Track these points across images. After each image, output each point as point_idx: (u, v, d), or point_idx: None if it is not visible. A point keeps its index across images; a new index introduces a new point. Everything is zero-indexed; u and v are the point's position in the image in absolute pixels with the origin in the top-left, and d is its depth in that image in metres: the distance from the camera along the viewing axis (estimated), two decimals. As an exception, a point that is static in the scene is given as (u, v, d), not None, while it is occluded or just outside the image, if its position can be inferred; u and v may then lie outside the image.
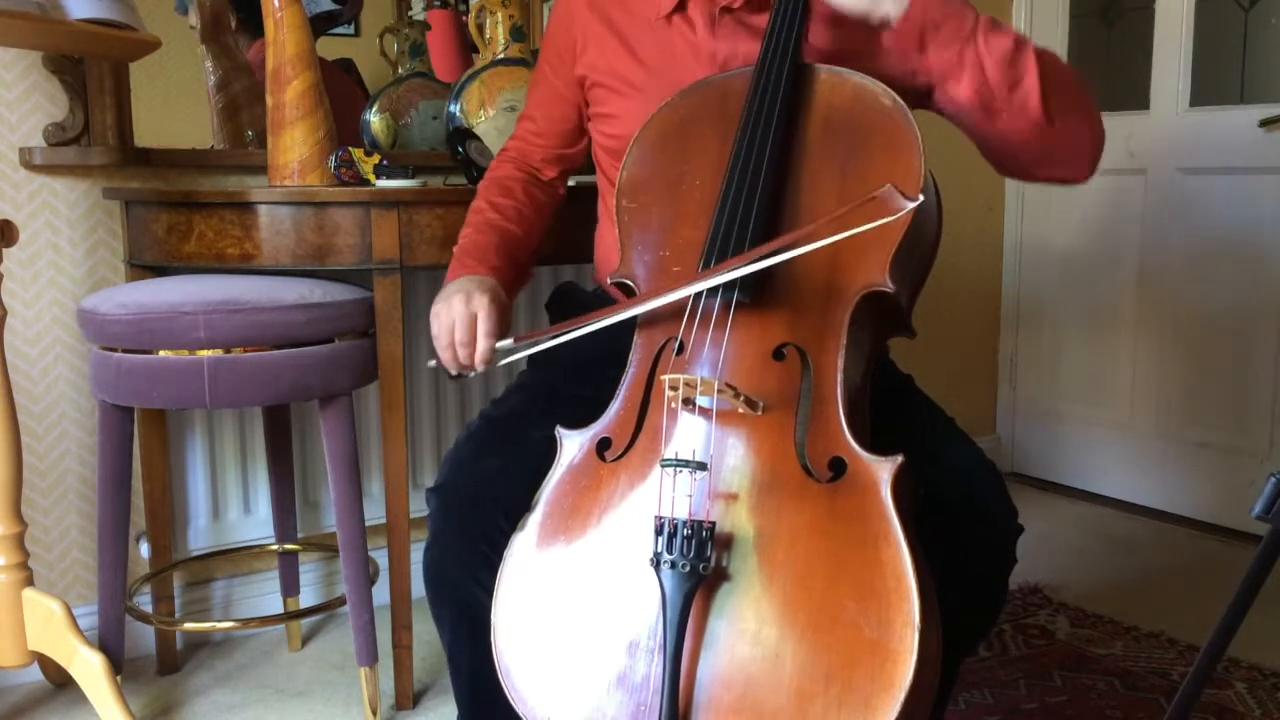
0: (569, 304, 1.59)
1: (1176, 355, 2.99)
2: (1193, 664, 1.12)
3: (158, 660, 2.14)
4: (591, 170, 1.62)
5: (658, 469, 1.12)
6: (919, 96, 1.37)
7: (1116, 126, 3.05)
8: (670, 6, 1.44)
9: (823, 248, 1.19)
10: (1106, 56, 3.20)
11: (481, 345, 1.34)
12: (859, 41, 1.35)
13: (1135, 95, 3.03)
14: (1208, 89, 2.90)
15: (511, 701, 1.11)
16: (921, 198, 1.11)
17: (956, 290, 3.28)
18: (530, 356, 1.53)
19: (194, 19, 2.21)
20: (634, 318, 1.26)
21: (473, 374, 1.38)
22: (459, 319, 1.35)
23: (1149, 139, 2.98)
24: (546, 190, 1.63)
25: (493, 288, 1.40)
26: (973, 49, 1.24)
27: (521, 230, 1.54)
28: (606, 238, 1.57)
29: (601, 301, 1.52)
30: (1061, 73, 1.29)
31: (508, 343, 1.35)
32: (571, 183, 1.98)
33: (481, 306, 1.35)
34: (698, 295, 1.19)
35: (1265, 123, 2.69)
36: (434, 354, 1.40)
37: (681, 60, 1.43)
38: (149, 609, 2.12)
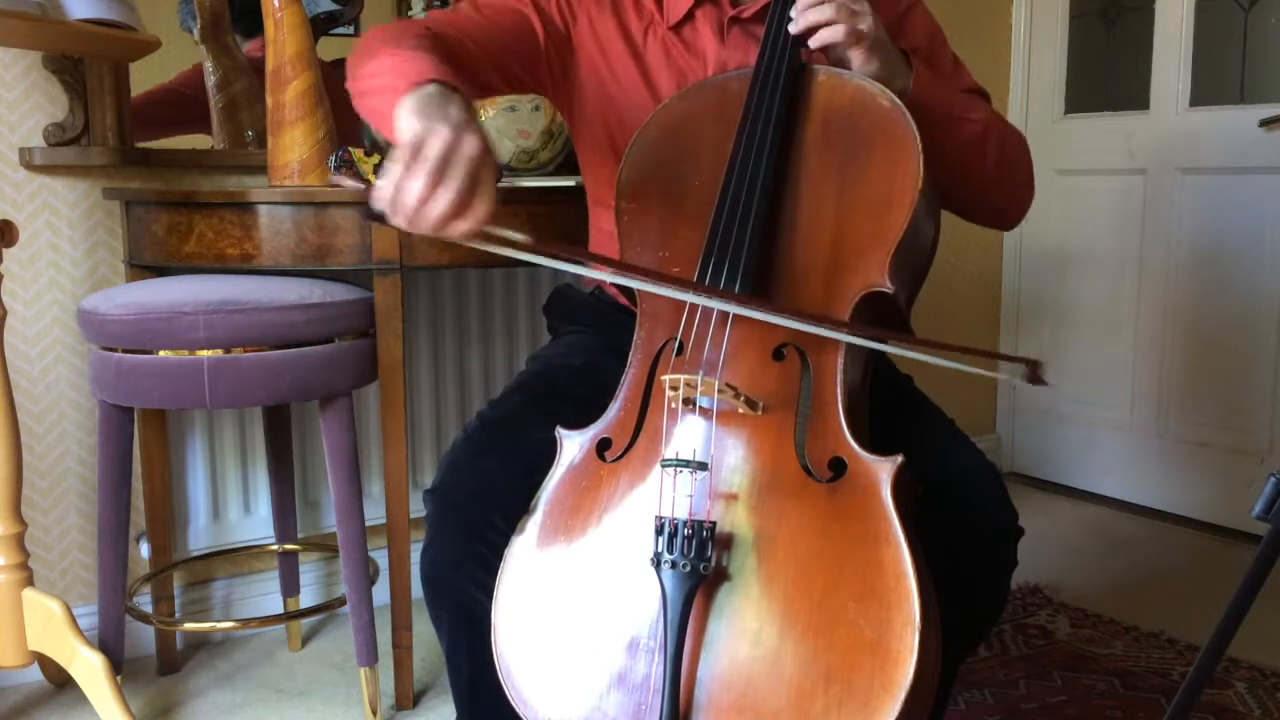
0: (567, 306, 1.59)
1: (1176, 355, 2.99)
2: (1193, 664, 1.12)
3: (158, 660, 2.14)
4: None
5: (658, 469, 1.12)
6: None
7: (1116, 126, 3.06)
8: (679, 16, 1.43)
9: (822, 248, 1.20)
10: (1106, 56, 3.20)
11: (482, 210, 0.99)
12: None
13: (1135, 95, 3.03)
14: (1208, 89, 2.90)
15: (512, 701, 1.11)
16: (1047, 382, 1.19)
17: (956, 290, 3.28)
18: (530, 358, 1.53)
19: (198, 34, 2.21)
20: (632, 315, 1.26)
21: (406, 230, 0.99)
22: (468, 161, 0.98)
23: (1149, 139, 2.98)
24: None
25: (483, 129, 1.03)
26: (943, 134, 1.32)
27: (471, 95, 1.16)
28: (599, 239, 1.57)
29: (599, 303, 1.52)
30: (1013, 153, 1.43)
31: (520, 236, 1.02)
32: (570, 182, 1.99)
33: (489, 163, 1.00)
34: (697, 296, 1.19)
35: (1265, 123, 2.69)
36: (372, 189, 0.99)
37: (690, 69, 1.43)
38: (149, 609, 2.12)
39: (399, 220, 0.99)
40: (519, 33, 1.40)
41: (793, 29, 1.28)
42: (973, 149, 1.37)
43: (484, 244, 1.02)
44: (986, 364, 1.18)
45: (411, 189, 0.97)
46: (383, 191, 0.98)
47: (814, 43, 1.27)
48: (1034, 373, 1.23)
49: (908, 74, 1.31)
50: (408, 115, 1.02)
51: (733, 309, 1.15)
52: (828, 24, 1.26)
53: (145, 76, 2.12)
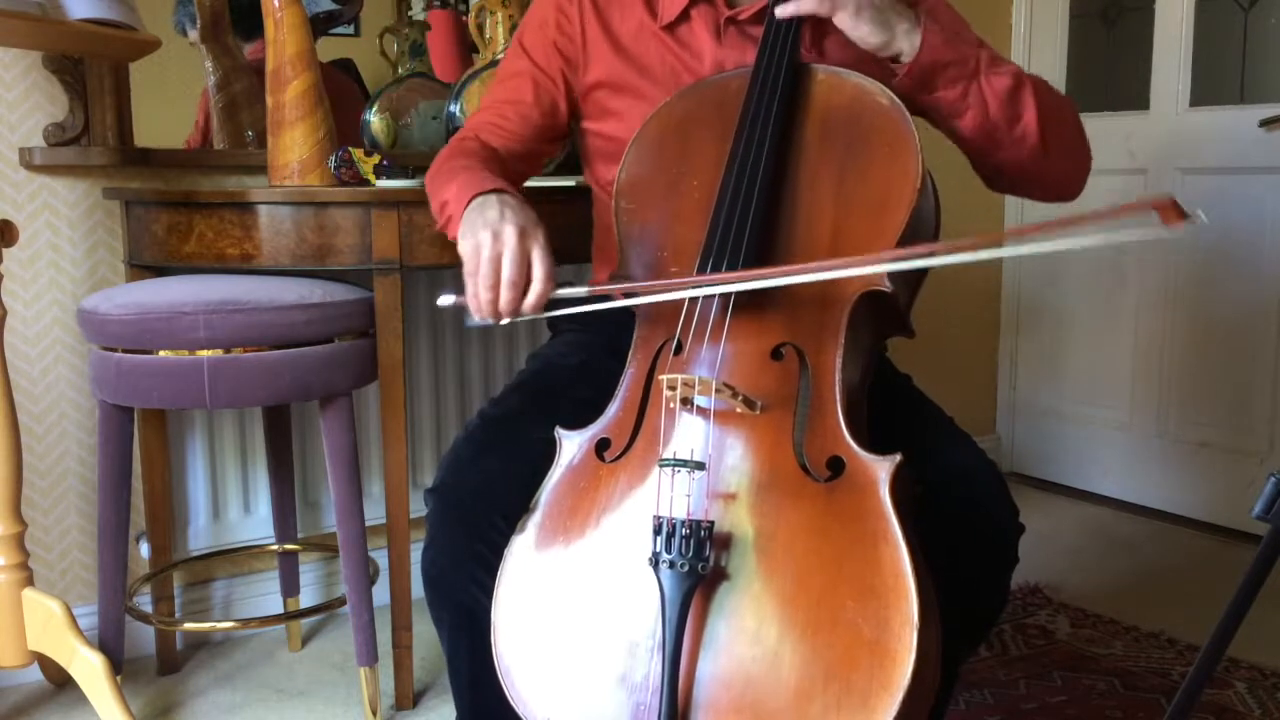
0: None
1: (1176, 355, 2.98)
2: (1193, 664, 1.12)
3: (158, 660, 2.14)
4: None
5: (656, 469, 1.12)
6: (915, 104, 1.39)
7: (1116, 126, 3.06)
8: (673, 16, 1.43)
9: (821, 247, 1.20)
10: (1106, 56, 3.20)
11: (538, 289, 1.14)
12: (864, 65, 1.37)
13: (1135, 95, 3.03)
14: (1208, 89, 2.90)
15: (511, 702, 1.11)
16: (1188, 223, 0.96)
17: (956, 290, 3.27)
18: (529, 358, 1.53)
19: (194, 36, 2.21)
20: (631, 315, 1.26)
21: (505, 322, 1.16)
22: (511, 253, 1.14)
23: (1149, 139, 2.98)
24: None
25: (537, 218, 1.20)
26: (976, 87, 1.30)
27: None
28: (600, 239, 1.57)
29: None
30: (1057, 105, 1.36)
31: (577, 290, 1.15)
32: (571, 182, 1.99)
33: (539, 242, 1.16)
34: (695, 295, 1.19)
35: (1265, 123, 2.68)
36: (456, 293, 1.17)
37: (686, 69, 1.43)
38: (149, 609, 2.12)
39: (488, 319, 1.16)
40: (546, 103, 1.50)
41: (779, 11, 1.28)
42: (1009, 100, 1.30)
43: (555, 311, 1.17)
44: (1101, 228, 0.96)
45: (481, 297, 1.15)
46: (469, 304, 1.16)
47: (781, 12, 1.27)
48: (1171, 212, 0.95)
49: (912, 33, 1.27)
50: (460, 240, 1.20)
51: (743, 286, 1.14)
52: None
53: (145, 76, 2.12)
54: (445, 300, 1.17)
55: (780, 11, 1.29)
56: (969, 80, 1.29)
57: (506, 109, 1.50)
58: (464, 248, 1.17)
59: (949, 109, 1.32)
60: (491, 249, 1.14)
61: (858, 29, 1.27)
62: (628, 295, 1.18)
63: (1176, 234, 0.94)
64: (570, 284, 1.17)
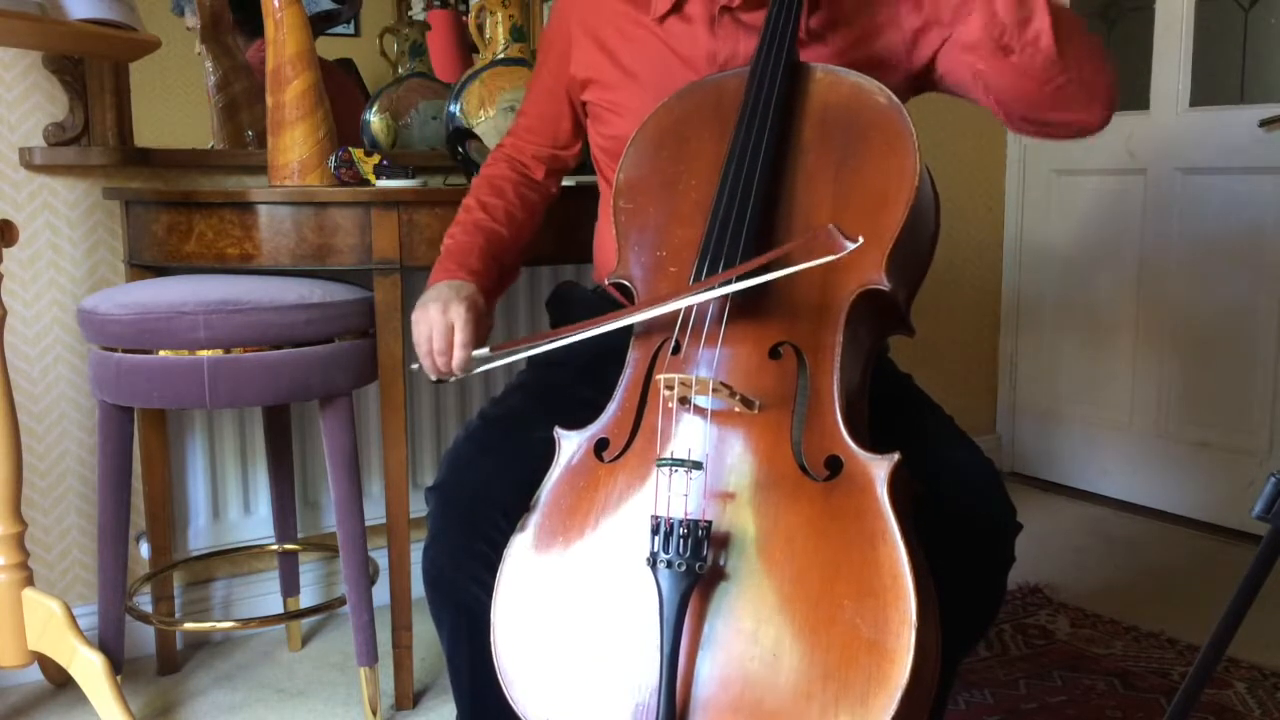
0: (570, 303, 1.59)
1: (1176, 355, 2.98)
2: (1193, 664, 1.12)
3: (158, 660, 2.14)
4: (592, 170, 1.63)
5: (655, 469, 1.12)
6: (918, 80, 1.40)
7: (1116, 126, 3.04)
8: (666, 7, 1.44)
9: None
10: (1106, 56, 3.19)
11: (458, 355, 1.36)
12: (859, 15, 1.38)
13: (1135, 95, 3.03)
14: (1208, 89, 2.90)
15: (510, 701, 1.11)
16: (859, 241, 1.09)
17: (956, 290, 3.28)
18: (531, 357, 1.53)
19: (191, 20, 2.21)
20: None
21: (452, 379, 1.40)
22: (436, 327, 1.37)
23: (1149, 139, 2.98)
24: (539, 190, 1.63)
25: (470, 295, 1.41)
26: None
27: (509, 232, 1.55)
28: (605, 238, 1.58)
29: (602, 300, 1.52)
30: (1071, 17, 1.28)
31: (484, 352, 1.37)
32: (571, 182, 1.99)
33: (458, 316, 1.37)
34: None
35: (1265, 123, 2.68)
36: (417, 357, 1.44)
37: (679, 61, 1.43)
38: (149, 609, 2.12)
39: (434, 377, 1.41)
40: (569, 110, 1.59)
41: None
42: (1017, 2, 1.21)
43: (480, 367, 1.37)
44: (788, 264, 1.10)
45: (422, 362, 1.40)
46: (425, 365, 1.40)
47: None
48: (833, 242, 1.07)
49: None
50: (419, 303, 1.42)
51: (735, 286, 1.14)
52: None
53: (145, 76, 2.12)
54: (415, 365, 1.42)
55: None
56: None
57: (534, 122, 1.62)
58: (414, 320, 1.41)
59: (953, 13, 1.31)
60: (423, 325, 1.38)
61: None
62: (549, 339, 1.29)
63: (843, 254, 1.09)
64: (499, 345, 1.37)
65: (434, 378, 1.41)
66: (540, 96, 1.61)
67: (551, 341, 1.27)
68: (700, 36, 1.42)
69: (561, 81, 1.56)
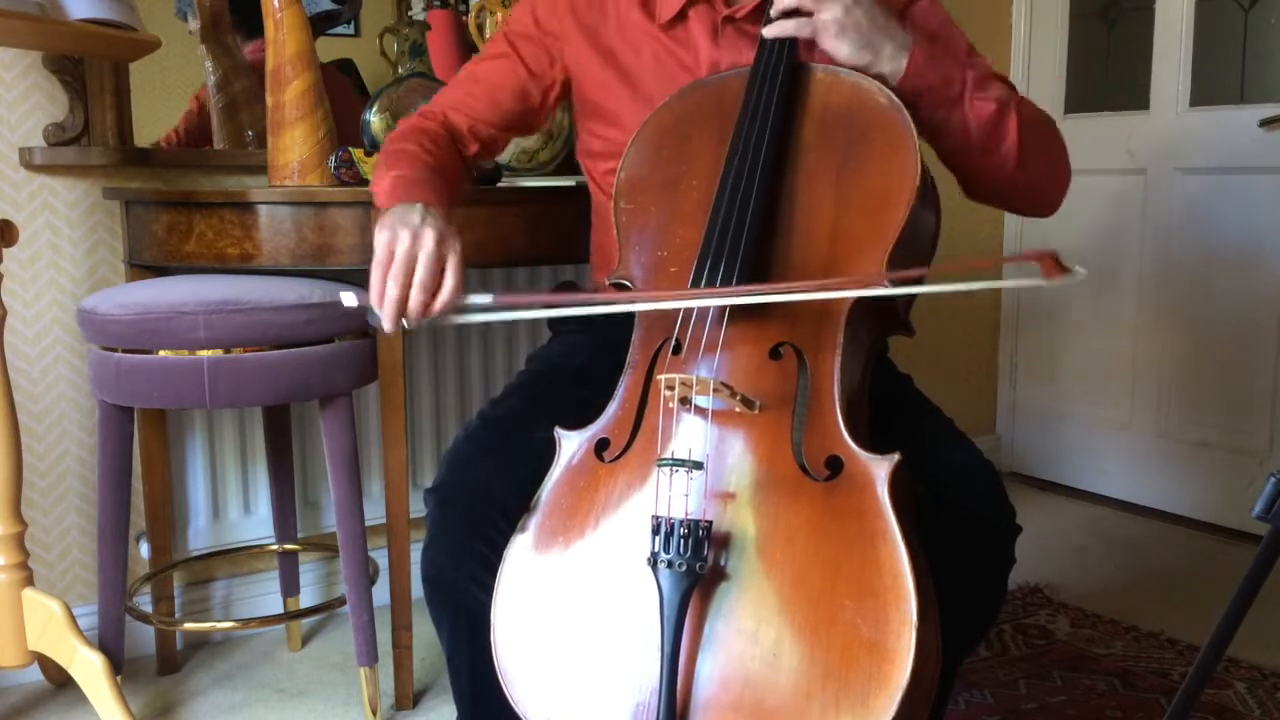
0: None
1: (1176, 355, 2.98)
2: (1193, 664, 1.12)
3: (158, 660, 2.14)
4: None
5: (655, 469, 1.12)
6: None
7: (1116, 126, 3.06)
8: (669, 15, 1.43)
9: (819, 246, 1.20)
10: (1106, 56, 3.20)
11: (446, 295, 1.15)
12: None
13: (1135, 95, 3.03)
14: (1208, 89, 2.90)
15: (510, 702, 1.11)
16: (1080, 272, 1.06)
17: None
18: (529, 358, 1.53)
19: (194, 24, 2.21)
20: (630, 315, 1.26)
21: (407, 327, 1.15)
22: (426, 255, 1.14)
23: (1149, 139, 2.98)
24: (464, 163, 1.51)
25: (459, 236, 1.21)
26: (959, 113, 1.31)
27: (455, 193, 1.39)
28: (598, 238, 1.58)
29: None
30: (1041, 131, 1.38)
31: (485, 298, 1.15)
32: (571, 182, 1.99)
33: (455, 251, 1.17)
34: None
35: (1265, 123, 2.67)
36: (359, 294, 1.16)
37: (681, 70, 1.43)
38: (149, 609, 2.12)
39: (387, 320, 1.14)
40: (518, 91, 1.52)
41: (766, 32, 1.29)
42: (991, 128, 1.32)
43: (460, 317, 1.18)
44: (994, 276, 1.14)
45: (389, 293, 1.13)
46: (372, 297, 1.14)
47: (768, 33, 1.29)
48: (1052, 265, 1.05)
49: (897, 57, 1.28)
50: (376, 232, 1.18)
51: (731, 301, 1.15)
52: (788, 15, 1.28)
53: (145, 76, 2.12)
54: (350, 300, 1.15)
55: (767, 32, 1.30)
56: (951, 107, 1.30)
57: (477, 89, 1.52)
58: (379, 240, 1.16)
59: (929, 130, 1.33)
60: (409, 247, 1.14)
61: (839, 51, 1.27)
62: (549, 306, 1.24)
63: (1055, 285, 1.05)
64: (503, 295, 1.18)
65: (389, 326, 1.14)
66: (501, 73, 1.52)
67: (554, 308, 1.25)
68: (703, 46, 1.43)
69: (539, 65, 1.52)
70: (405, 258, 1.14)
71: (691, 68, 1.43)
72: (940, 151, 1.38)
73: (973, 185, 1.43)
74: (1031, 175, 1.38)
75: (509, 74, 1.53)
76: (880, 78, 1.28)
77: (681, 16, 1.44)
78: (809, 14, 1.27)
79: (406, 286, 1.14)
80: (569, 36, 1.51)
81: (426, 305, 1.14)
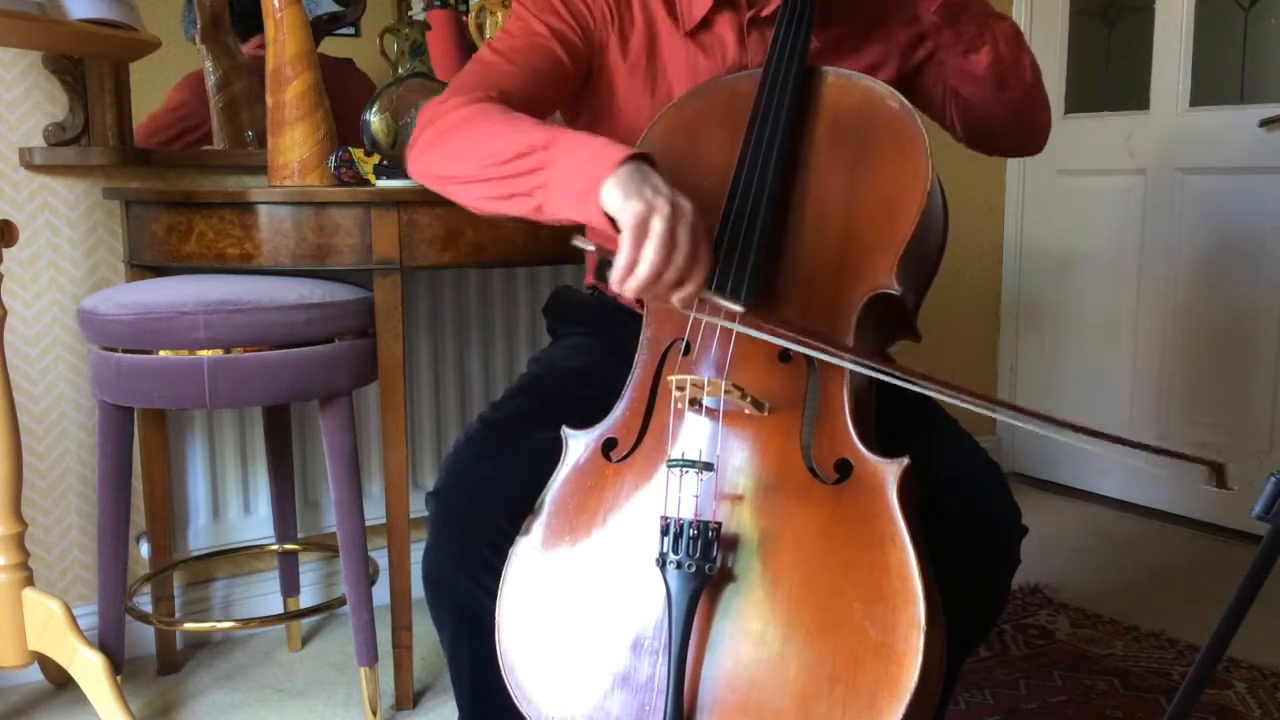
0: (567, 307, 1.59)
1: (1176, 355, 2.99)
2: (1193, 664, 1.12)
3: (158, 660, 2.14)
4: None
5: (664, 469, 1.12)
6: (908, 81, 1.47)
7: (1116, 126, 3.06)
8: (696, 21, 1.42)
9: (829, 250, 1.20)
10: (1106, 56, 3.20)
11: (694, 284, 1.04)
12: (868, 9, 1.43)
13: (1135, 95, 3.03)
14: (1208, 89, 2.90)
15: (516, 701, 1.11)
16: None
17: (957, 291, 3.28)
18: (530, 360, 1.53)
19: (198, 34, 2.20)
20: (632, 315, 1.26)
21: (631, 296, 1.05)
22: (688, 231, 1.03)
23: (1149, 139, 2.99)
24: None
25: None
26: (989, 26, 1.35)
27: None
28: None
29: (598, 303, 1.52)
30: (1035, 66, 1.44)
31: (735, 305, 1.06)
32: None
33: (703, 224, 1.06)
34: (703, 298, 1.17)
35: (1265, 123, 2.69)
36: (602, 251, 1.05)
37: (706, 74, 1.42)
38: (149, 609, 2.12)
39: (631, 292, 1.03)
40: (554, 72, 1.40)
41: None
42: (1015, 41, 1.38)
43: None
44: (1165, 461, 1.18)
45: (646, 260, 1.02)
46: (620, 271, 1.03)
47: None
48: (1220, 476, 1.13)
49: None
50: (625, 199, 1.04)
51: (735, 327, 1.14)
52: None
53: (145, 76, 2.12)
54: (585, 244, 1.05)
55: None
56: (983, 19, 1.35)
57: (527, 77, 1.37)
58: (634, 208, 1.03)
59: (968, 43, 1.36)
60: (669, 221, 1.02)
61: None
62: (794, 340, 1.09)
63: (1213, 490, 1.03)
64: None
65: (626, 292, 1.03)
66: (537, 53, 1.38)
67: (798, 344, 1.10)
68: (730, 49, 1.42)
69: (578, 45, 1.41)
70: (668, 233, 1.03)
71: (717, 73, 1.41)
72: (973, 72, 1.39)
73: (981, 121, 1.46)
74: (1038, 95, 1.43)
75: (545, 50, 1.39)
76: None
77: (707, 24, 1.42)
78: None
79: (667, 260, 1.03)
80: (605, 20, 1.44)
81: (674, 286, 1.04)
